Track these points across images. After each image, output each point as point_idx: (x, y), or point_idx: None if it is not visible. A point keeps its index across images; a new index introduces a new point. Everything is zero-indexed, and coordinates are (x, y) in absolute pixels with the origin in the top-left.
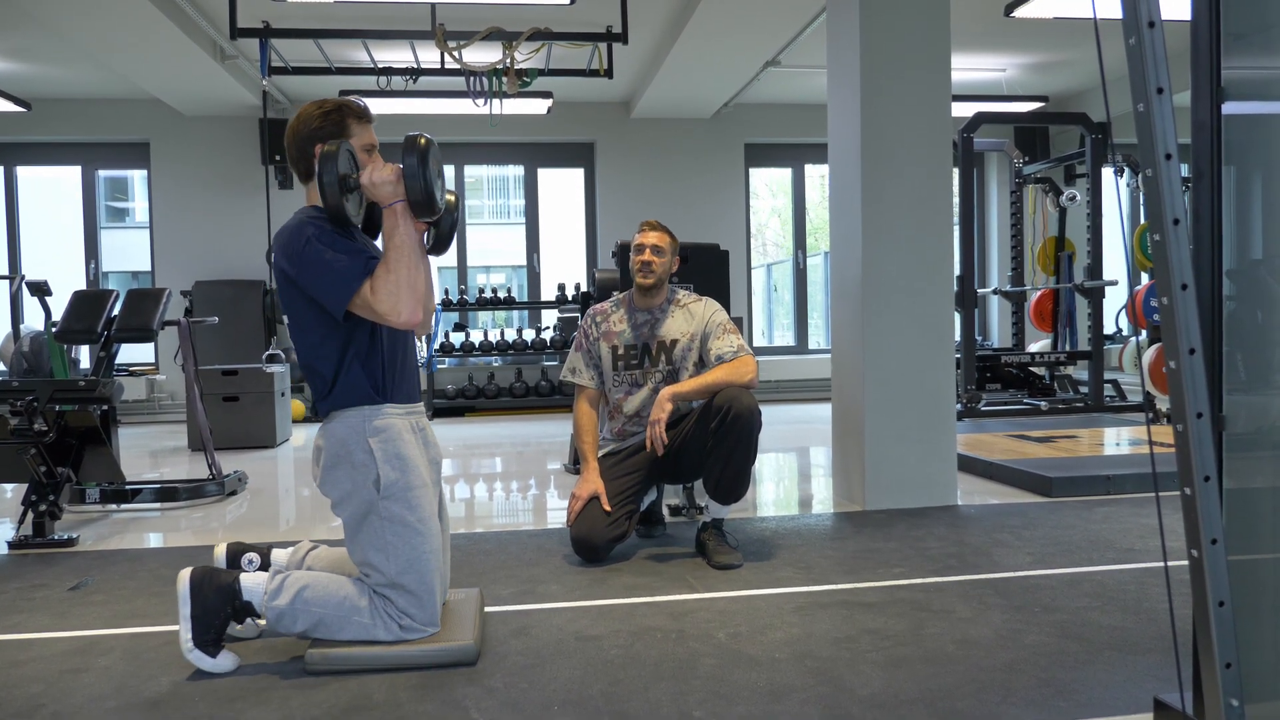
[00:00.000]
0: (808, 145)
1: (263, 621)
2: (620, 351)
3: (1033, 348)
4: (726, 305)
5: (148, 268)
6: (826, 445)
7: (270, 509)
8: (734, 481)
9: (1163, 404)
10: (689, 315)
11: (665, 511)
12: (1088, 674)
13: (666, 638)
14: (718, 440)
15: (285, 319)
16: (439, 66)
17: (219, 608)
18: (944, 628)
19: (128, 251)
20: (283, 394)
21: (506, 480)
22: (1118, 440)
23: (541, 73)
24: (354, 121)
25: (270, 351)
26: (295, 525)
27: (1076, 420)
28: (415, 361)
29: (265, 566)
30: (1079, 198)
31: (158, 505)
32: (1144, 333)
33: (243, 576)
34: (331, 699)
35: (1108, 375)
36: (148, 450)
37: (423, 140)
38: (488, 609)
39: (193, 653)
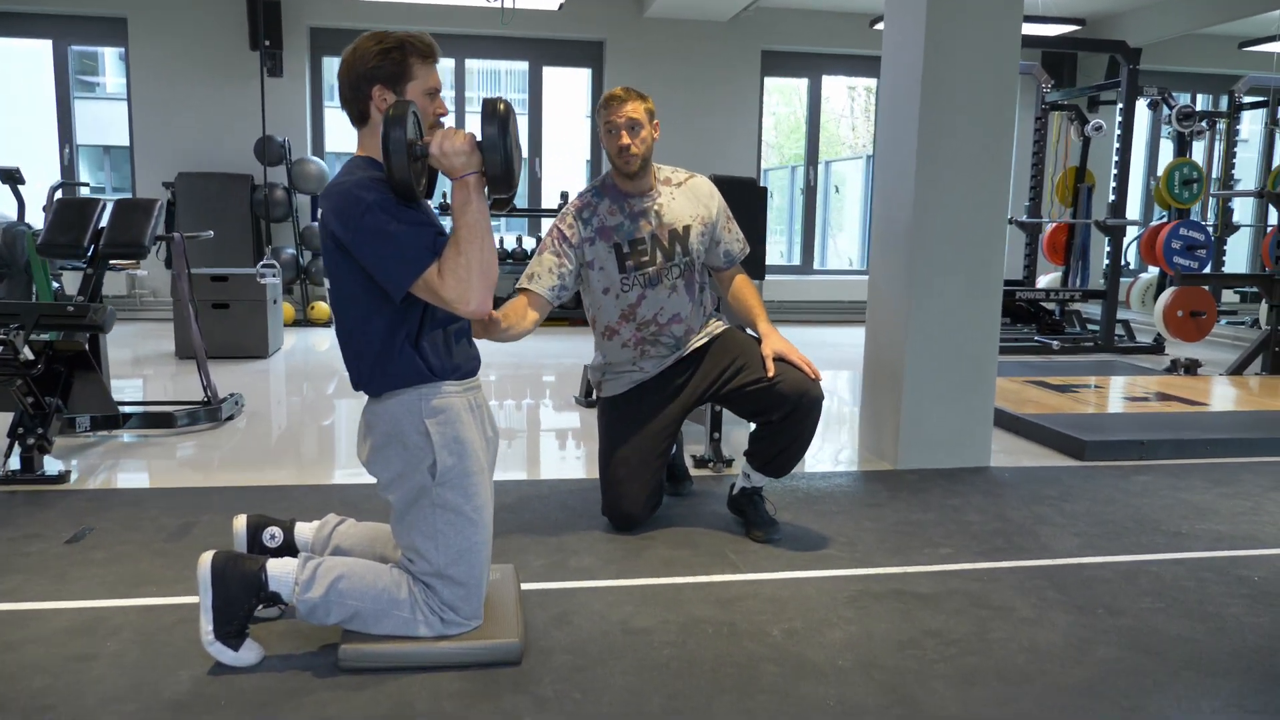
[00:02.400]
0: (826, 55)
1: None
2: (626, 249)
3: (1042, 281)
4: (763, 244)
5: (120, 141)
6: (838, 372)
7: (271, 436)
8: (789, 463)
9: (1172, 347)
10: (691, 196)
11: (689, 462)
12: (1171, 700)
13: (719, 633)
14: (783, 426)
15: (326, 284)
16: None
17: (243, 598)
18: (1008, 631)
19: (99, 124)
20: (275, 301)
21: (511, 414)
22: (1140, 392)
23: None
24: (417, 62)
25: (266, 261)
26: (299, 461)
27: (1090, 364)
28: (469, 331)
29: (288, 542)
30: (1105, 127)
31: (152, 431)
32: (1150, 269)
33: (269, 564)
34: (370, 705)
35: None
36: (133, 355)
37: (502, 106)
38: (523, 585)
39: (213, 645)
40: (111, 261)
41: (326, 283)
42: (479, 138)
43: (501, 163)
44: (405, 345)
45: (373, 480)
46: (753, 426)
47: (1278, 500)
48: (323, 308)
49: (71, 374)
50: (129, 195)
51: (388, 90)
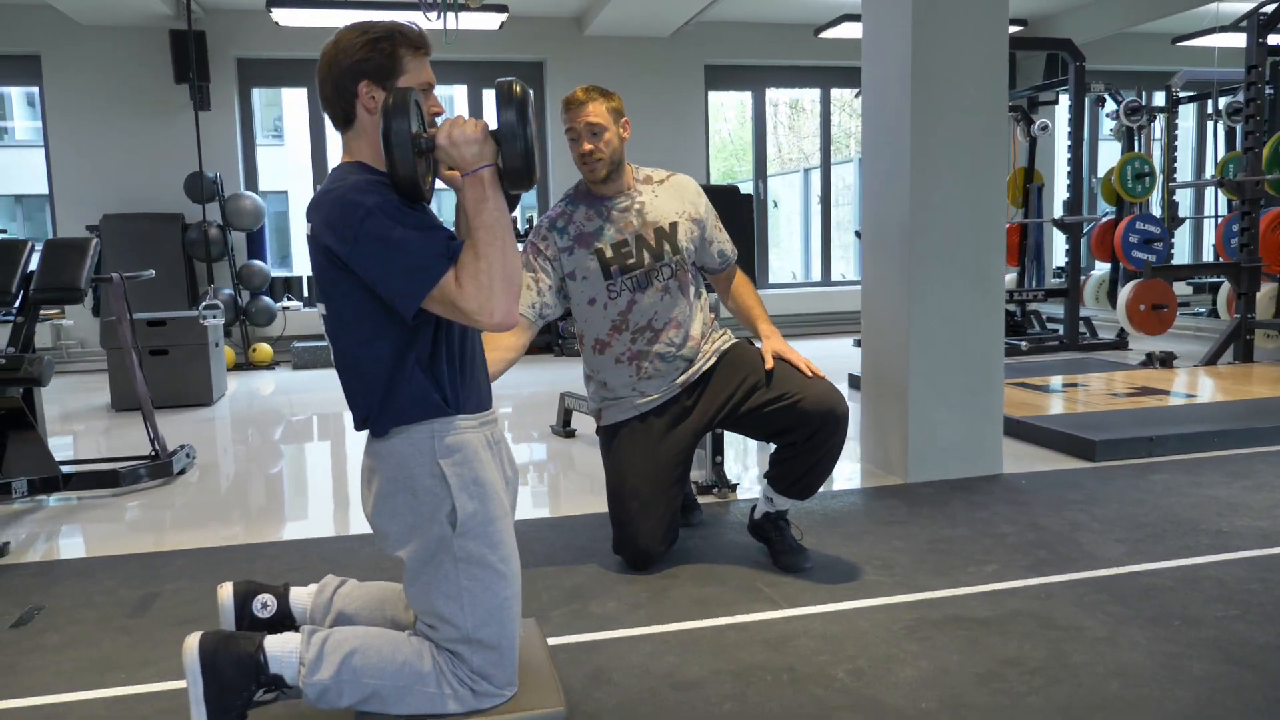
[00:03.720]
0: (769, 68)
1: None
2: (609, 254)
3: None
4: (751, 254)
5: (33, 189)
6: None
7: (229, 490)
8: (816, 484)
9: (1135, 341)
10: (675, 192)
11: (693, 489)
12: None
13: (778, 680)
14: (808, 446)
15: (320, 308)
16: None
17: (240, 684)
18: (1088, 654)
19: (9, 172)
20: (217, 344)
21: None
22: (1124, 388)
23: None
24: (408, 54)
25: (208, 301)
26: (265, 515)
27: (1061, 363)
28: (484, 356)
29: (283, 611)
30: (1050, 126)
31: (97, 492)
32: (1100, 265)
33: (268, 642)
34: None
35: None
36: (62, 411)
37: (518, 88)
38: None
39: None
40: (43, 308)
41: (320, 307)
42: (491, 125)
43: (522, 153)
44: (415, 372)
45: (360, 530)
46: (771, 447)
47: None
48: (265, 349)
49: (5, 433)
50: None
51: (376, 86)
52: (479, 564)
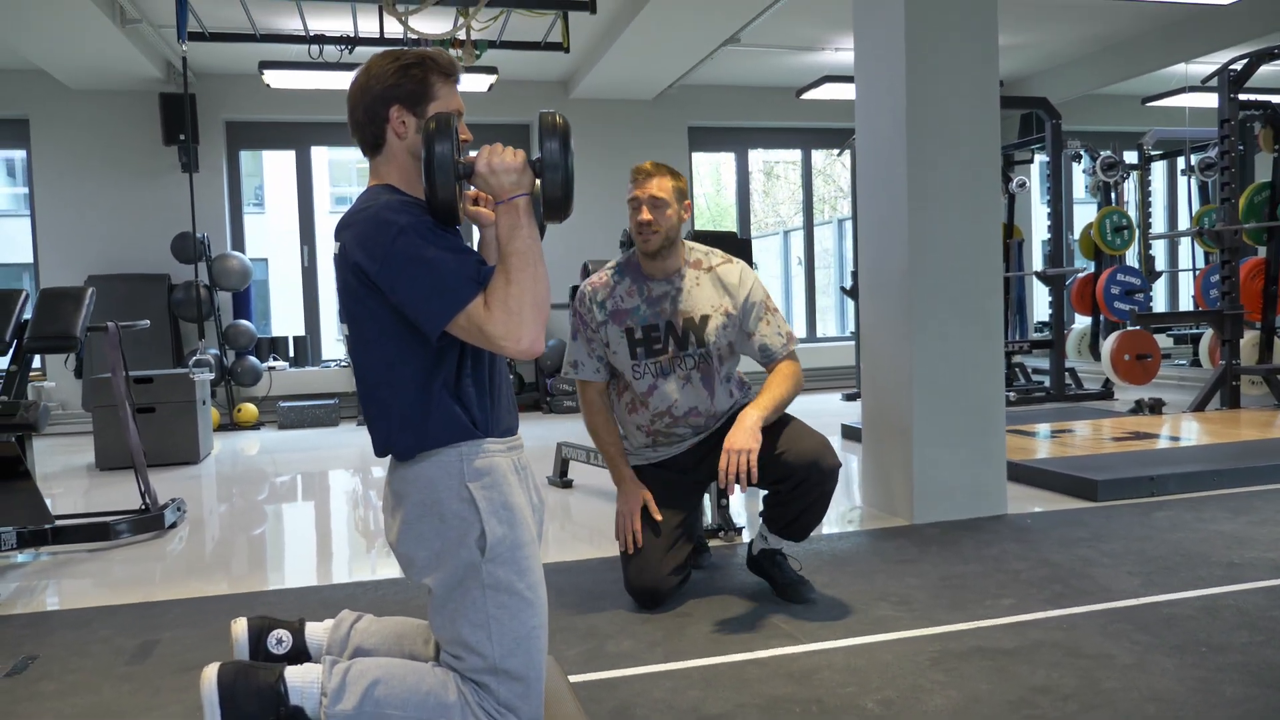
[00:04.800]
0: (751, 129)
1: None
2: (638, 335)
3: None
4: None
5: (21, 259)
6: None
7: (221, 544)
8: (807, 529)
9: (1120, 391)
10: (718, 283)
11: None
12: None
13: (807, 712)
14: (798, 495)
15: (344, 330)
16: (378, 35)
17: (260, 716)
18: (1120, 680)
19: None
20: (204, 402)
21: None
22: (1118, 433)
23: (493, 44)
24: (439, 80)
25: (198, 357)
26: (257, 566)
27: (1050, 412)
28: (509, 380)
29: (299, 647)
30: (1028, 183)
31: (88, 546)
32: (1078, 318)
33: (289, 673)
34: None
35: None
36: (45, 472)
37: (560, 119)
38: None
39: None
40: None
41: (344, 329)
42: (530, 155)
43: (563, 182)
44: (442, 394)
45: (361, 578)
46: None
47: None
48: (250, 410)
49: None
50: None
51: (407, 111)
52: (507, 591)
